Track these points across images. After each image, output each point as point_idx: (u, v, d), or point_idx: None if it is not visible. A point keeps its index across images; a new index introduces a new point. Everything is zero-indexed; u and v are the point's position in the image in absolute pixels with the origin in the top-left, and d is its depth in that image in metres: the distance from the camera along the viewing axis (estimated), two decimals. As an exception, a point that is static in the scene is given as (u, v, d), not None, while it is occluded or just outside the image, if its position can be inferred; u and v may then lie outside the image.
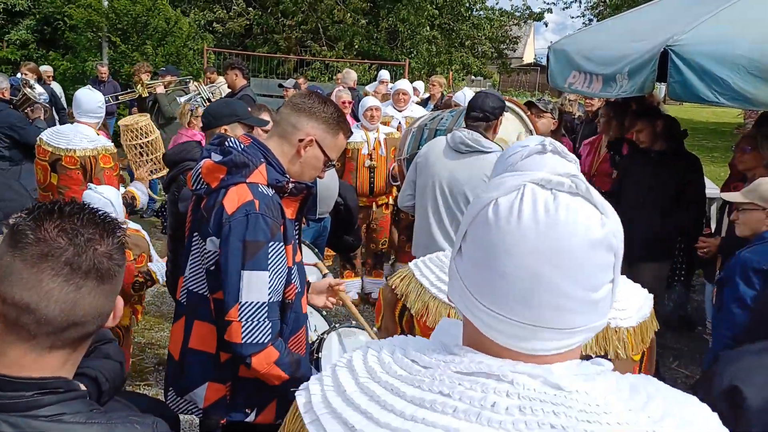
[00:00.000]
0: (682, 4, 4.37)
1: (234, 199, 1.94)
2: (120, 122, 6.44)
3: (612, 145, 5.12)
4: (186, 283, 2.10)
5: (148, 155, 6.13)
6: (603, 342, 1.48)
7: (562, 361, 0.82)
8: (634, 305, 1.54)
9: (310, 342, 2.94)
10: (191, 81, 8.64)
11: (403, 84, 7.09)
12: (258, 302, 1.92)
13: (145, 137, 6.20)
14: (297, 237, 2.21)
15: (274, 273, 1.94)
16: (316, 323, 3.20)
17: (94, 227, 1.11)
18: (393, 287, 1.64)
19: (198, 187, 2.06)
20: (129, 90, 9.48)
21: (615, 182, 4.85)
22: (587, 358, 1.46)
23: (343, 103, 6.15)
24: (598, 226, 0.80)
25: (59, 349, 1.09)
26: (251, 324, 1.91)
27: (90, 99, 4.36)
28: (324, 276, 3.20)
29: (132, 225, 3.95)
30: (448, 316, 1.49)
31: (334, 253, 6.43)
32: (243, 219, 1.91)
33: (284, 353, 1.98)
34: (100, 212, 1.15)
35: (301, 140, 2.09)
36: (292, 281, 2.05)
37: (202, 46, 13.20)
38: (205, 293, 2.03)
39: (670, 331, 5.23)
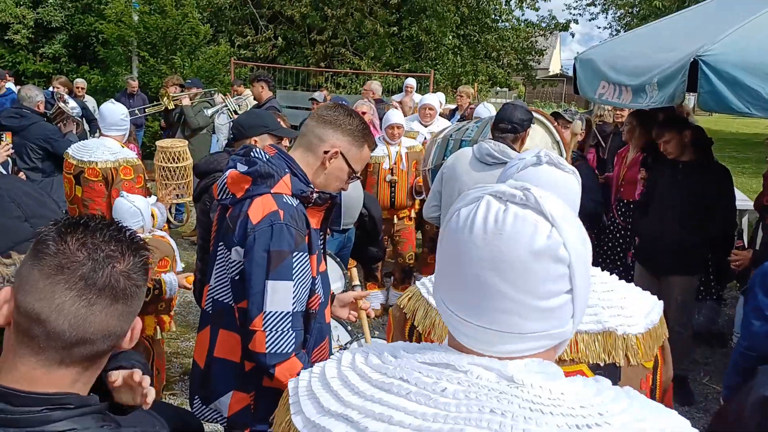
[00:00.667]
0: (708, 14, 4.32)
1: (259, 209, 1.96)
2: (158, 142, 6.51)
3: (645, 149, 5.03)
4: (211, 292, 2.12)
5: (176, 179, 6.18)
6: (610, 349, 1.47)
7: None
8: (641, 311, 1.53)
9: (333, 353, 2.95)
10: (216, 93, 8.75)
11: (430, 99, 7.06)
12: (282, 312, 1.92)
13: (177, 162, 6.25)
14: (322, 247, 2.21)
15: (298, 283, 1.95)
16: (339, 334, 3.20)
17: (116, 244, 1.08)
18: (401, 306, 1.64)
19: (223, 197, 2.08)
20: (156, 103, 9.62)
21: (642, 193, 4.79)
22: (596, 366, 1.47)
23: (362, 114, 6.12)
24: (544, 236, 0.84)
25: (70, 366, 1.07)
26: (275, 334, 1.92)
27: (113, 112, 4.43)
28: (353, 287, 3.20)
29: (158, 233, 4.00)
30: None
31: (355, 264, 6.44)
32: (268, 229, 1.93)
33: (307, 365, 1.98)
34: (127, 230, 1.12)
35: (326, 152, 2.10)
36: (316, 291, 2.06)
37: (229, 59, 13.36)
38: (230, 302, 2.04)
39: (701, 345, 5.13)
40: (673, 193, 4.33)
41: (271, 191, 1.99)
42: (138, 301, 1.12)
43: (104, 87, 13.34)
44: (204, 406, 2.15)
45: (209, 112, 7.24)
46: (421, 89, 11.88)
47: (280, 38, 17.52)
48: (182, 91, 8.03)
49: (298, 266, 1.95)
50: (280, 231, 1.93)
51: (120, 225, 1.13)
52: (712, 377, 4.75)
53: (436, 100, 7.17)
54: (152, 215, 4.42)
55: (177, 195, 6.08)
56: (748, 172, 13.51)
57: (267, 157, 2.06)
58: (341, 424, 0.84)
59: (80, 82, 10.85)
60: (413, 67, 16.87)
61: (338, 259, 3.90)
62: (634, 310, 1.52)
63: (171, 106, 8.12)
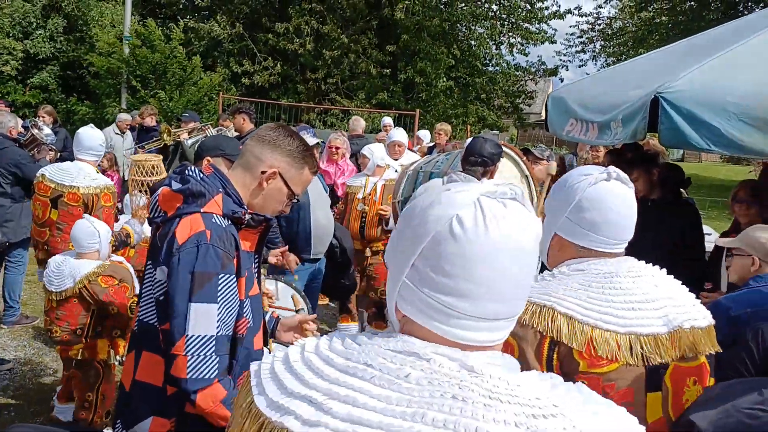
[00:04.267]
0: (675, 54, 4.37)
1: (186, 228, 1.91)
2: (132, 157, 6.50)
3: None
4: (139, 313, 2.06)
5: (150, 194, 6.14)
6: (711, 342, 1.63)
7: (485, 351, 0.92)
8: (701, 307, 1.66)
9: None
10: (208, 126, 8.77)
11: (398, 135, 7.11)
12: (205, 336, 1.86)
13: (152, 176, 6.22)
14: (256, 270, 2.16)
15: (223, 306, 1.89)
16: None
17: None
18: (532, 325, 1.57)
19: (155, 215, 2.03)
20: (155, 138, 9.55)
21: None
22: (710, 356, 1.62)
23: (333, 147, 6.15)
24: (536, 222, 0.94)
25: None
26: (197, 359, 1.85)
27: (91, 137, 4.45)
28: (298, 311, 3.13)
29: (115, 258, 3.97)
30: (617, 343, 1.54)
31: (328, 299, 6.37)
32: (193, 249, 1.87)
33: (231, 393, 1.90)
34: None
35: (263, 172, 2.06)
36: (244, 315, 1.99)
37: (219, 94, 13.48)
38: (155, 323, 1.98)
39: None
40: (643, 230, 4.29)
41: (201, 210, 1.95)
42: None
43: (92, 119, 13.40)
44: (124, 431, 2.06)
45: (189, 141, 7.24)
46: (408, 127, 11.96)
47: (279, 65, 17.74)
48: (178, 126, 8.04)
49: (224, 289, 1.89)
50: (206, 252, 1.88)
51: None
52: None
53: (404, 136, 7.24)
54: (129, 234, 4.40)
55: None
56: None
57: (201, 176, 2.02)
58: (305, 405, 0.85)
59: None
60: (404, 107, 17.05)
61: (296, 287, 3.84)
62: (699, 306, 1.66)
63: (170, 142, 8.09)
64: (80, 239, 3.77)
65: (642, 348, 1.53)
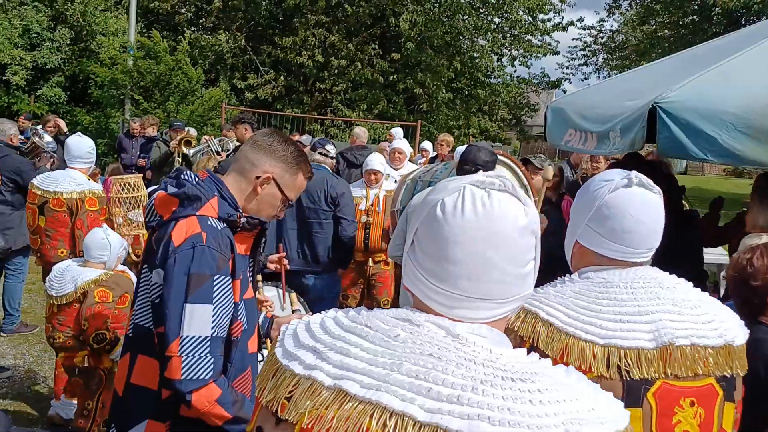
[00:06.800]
0: (674, 65, 4.38)
1: (182, 231, 1.92)
2: (111, 177, 6.51)
3: None
4: (133, 316, 2.06)
5: (134, 209, 6.12)
6: (731, 361, 1.55)
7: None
8: (738, 323, 1.60)
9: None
10: (211, 137, 8.80)
11: (399, 143, 7.17)
12: (200, 336, 1.86)
13: (131, 192, 6.22)
14: (250, 273, 2.17)
15: (218, 307, 1.90)
16: None
17: None
18: (514, 328, 1.56)
19: (151, 219, 2.04)
20: (168, 152, 9.52)
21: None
22: (723, 378, 1.54)
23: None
24: (523, 215, 1.01)
25: None
26: (192, 359, 1.85)
27: (80, 144, 4.47)
28: (294, 311, 3.12)
29: (120, 268, 3.96)
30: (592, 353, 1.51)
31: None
32: (189, 251, 1.89)
33: (227, 391, 1.91)
34: None
35: (258, 177, 2.08)
36: (239, 318, 2.00)
37: (222, 105, 13.55)
38: (151, 326, 1.98)
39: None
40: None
41: (197, 213, 1.96)
42: None
43: (97, 129, 13.47)
44: (118, 436, 2.06)
45: (191, 151, 7.28)
46: (409, 138, 11.99)
47: (282, 77, 17.84)
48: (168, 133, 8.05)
49: (219, 290, 1.90)
50: (201, 254, 1.89)
51: None
52: None
53: (405, 144, 7.29)
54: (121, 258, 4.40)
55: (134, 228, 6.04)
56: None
57: (197, 179, 2.04)
58: (309, 354, 0.99)
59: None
60: (406, 118, 17.13)
61: (281, 290, 3.85)
62: (735, 322, 1.60)
63: (184, 151, 8.06)
64: (91, 248, 3.77)
65: (621, 361, 1.47)
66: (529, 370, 0.94)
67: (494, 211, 0.98)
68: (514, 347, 1.52)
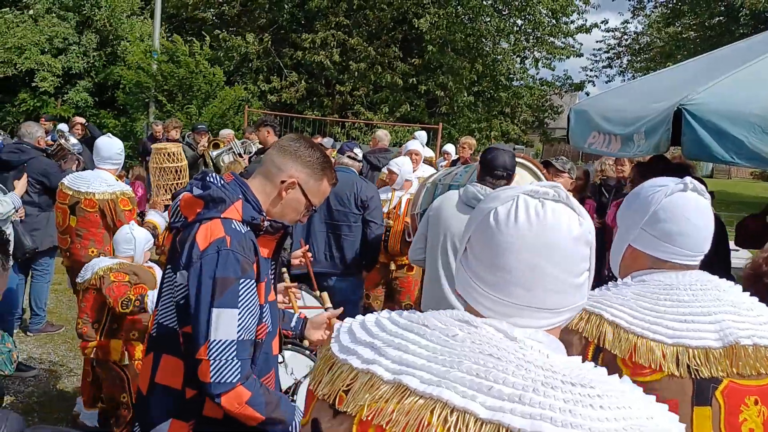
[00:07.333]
0: (700, 67, 4.33)
1: (207, 234, 1.94)
2: (154, 146, 6.61)
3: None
4: (157, 316, 2.09)
5: (172, 179, 6.19)
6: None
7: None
8: None
9: (289, 385, 2.87)
10: (233, 138, 8.90)
11: (415, 145, 7.16)
12: (227, 340, 1.88)
13: (172, 162, 6.28)
14: (273, 276, 2.18)
15: (244, 310, 1.91)
16: (294, 366, 3.12)
17: None
18: (578, 330, 1.59)
19: (176, 220, 2.07)
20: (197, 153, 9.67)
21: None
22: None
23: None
24: (577, 225, 1.02)
25: None
26: (219, 363, 1.87)
27: (110, 146, 4.53)
28: (326, 310, 3.13)
29: (148, 264, 4.06)
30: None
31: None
32: (214, 255, 1.90)
33: (258, 392, 1.92)
34: None
35: (283, 181, 2.09)
36: (264, 320, 2.01)
37: (244, 108, 13.66)
38: (175, 326, 2.01)
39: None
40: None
41: (221, 216, 1.98)
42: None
43: (122, 132, 13.66)
44: (143, 434, 2.09)
45: (213, 154, 7.35)
46: (430, 142, 11.99)
47: (303, 81, 17.93)
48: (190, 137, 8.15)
49: (245, 294, 1.92)
50: (226, 257, 1.90)
51: None
52: None
53: (420, 146, 7.32)
54: (155, 226, 4.54)
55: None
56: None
57: (222, 182, 2.05)
58: (367, 349, 1.01)
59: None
60: (427, 121, 17.11)
61: (311, 292, 3.86)
62: None
63: (209, 160, 8.19)
64: (118, 243, 3.97)
65: (690, 360, 1.51)
66: (587, 376, 0.94)
67: (547, 221, 1.00)
68: (579, 348, 1.59)
